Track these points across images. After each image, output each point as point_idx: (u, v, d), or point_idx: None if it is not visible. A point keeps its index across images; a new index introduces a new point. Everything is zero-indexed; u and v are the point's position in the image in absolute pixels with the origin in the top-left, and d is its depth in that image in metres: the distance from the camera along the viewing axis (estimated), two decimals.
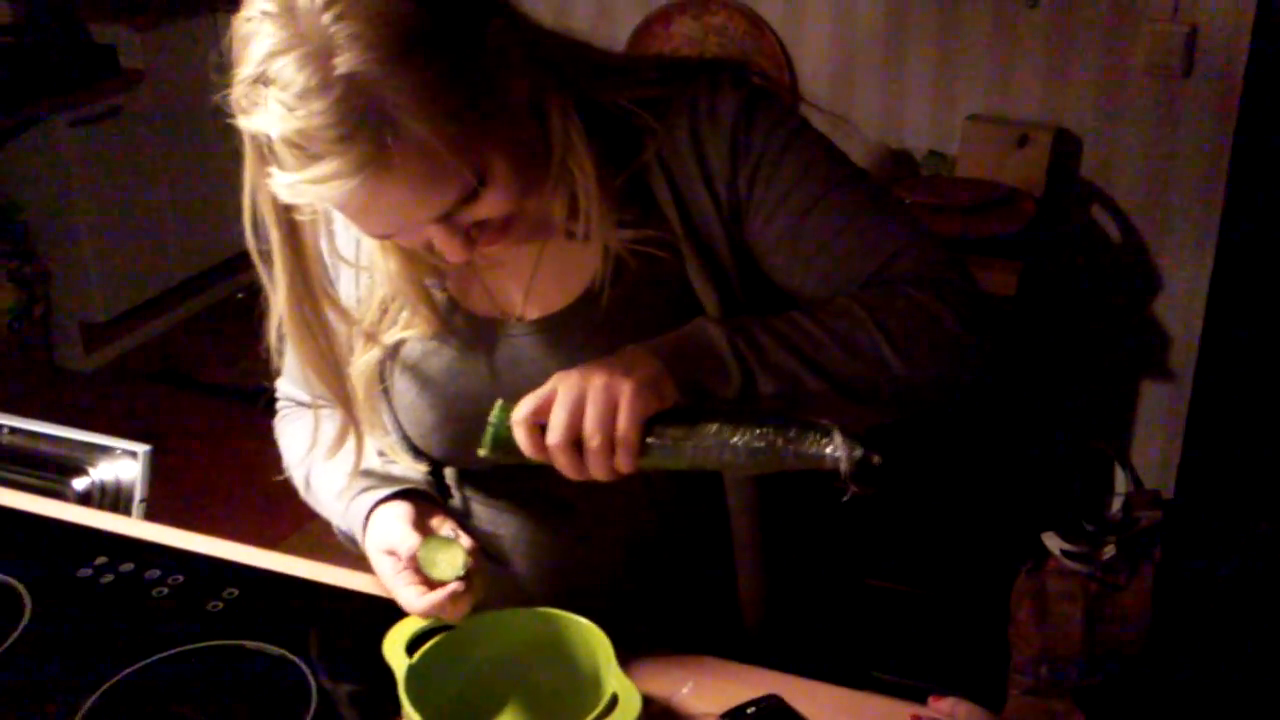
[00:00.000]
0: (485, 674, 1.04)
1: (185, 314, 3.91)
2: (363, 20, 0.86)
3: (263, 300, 1.04)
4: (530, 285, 1.10)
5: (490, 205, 0.96)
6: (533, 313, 1.10)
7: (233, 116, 0.90)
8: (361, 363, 1.12)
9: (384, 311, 1.11)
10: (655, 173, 1.05)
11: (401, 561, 1.06)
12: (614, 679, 0.98)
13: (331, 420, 1.13)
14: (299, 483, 1.25)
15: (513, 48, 0.95)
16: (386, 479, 1.15)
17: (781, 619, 1.22)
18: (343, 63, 0.85)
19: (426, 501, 1.14)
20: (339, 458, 1.14)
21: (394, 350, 1.12)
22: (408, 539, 1.06)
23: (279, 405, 1.31)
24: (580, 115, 1.02)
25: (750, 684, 1.07)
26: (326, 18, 0.85)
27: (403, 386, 1.13)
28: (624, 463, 0.92)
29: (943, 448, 2.21)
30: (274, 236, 0.98)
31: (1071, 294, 2.59)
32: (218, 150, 0.95)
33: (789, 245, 1.05)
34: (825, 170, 1.05)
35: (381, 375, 1.14)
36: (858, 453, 0.91)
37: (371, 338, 1.11)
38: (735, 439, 0.93)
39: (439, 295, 1.12)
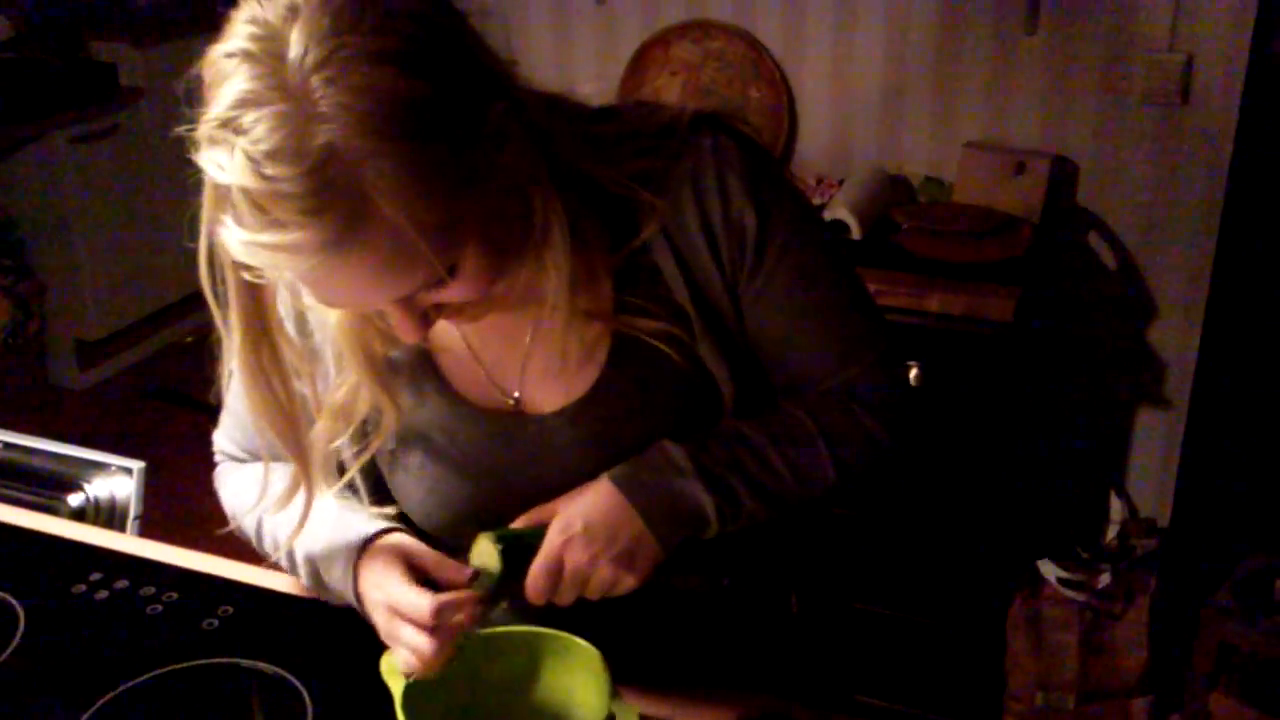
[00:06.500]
0: (483, 695, 1.04)
1: (180, 332, 3.90)
2: (356, 91, 0.78)
3: (213, 342, 0.96)
4: (557, 370, 1.06)
5: (456, 292, 0.91)
6: (549, 405, 1.07)
7: (196, 151, 0.82)
8: (323, 437, 1.05)
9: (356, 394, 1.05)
10: (660, 246, 1.02)
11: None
12: (611, 701, 0.97)
13: (280, 472, 1.05)
14: (249, 533, 1.19)
15: (511, 132, 0.88)
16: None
17: (772, 645, 1.22)
18: (325, 132, 0.77)
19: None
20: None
21: (392, 442, 1.08)
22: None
23: (216, 458, 1.25)
24: (576, 194, 0.97)
25: (743, 708, 1.06)
26: (316, 80, 0.78)
27: (406, 481, 1.10)
28: None
29: (938, 473, 2.21)
30: (230, 278, 0.89)
31: (1068, 321, 2.59)
32: None
33: (770, 342, 1.08)
34: (818, 276, 1.07)
35: (389, 463, 1.11)
36: None
37: (341, 416, 1.05)
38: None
39: (405, 401, 1.06)
